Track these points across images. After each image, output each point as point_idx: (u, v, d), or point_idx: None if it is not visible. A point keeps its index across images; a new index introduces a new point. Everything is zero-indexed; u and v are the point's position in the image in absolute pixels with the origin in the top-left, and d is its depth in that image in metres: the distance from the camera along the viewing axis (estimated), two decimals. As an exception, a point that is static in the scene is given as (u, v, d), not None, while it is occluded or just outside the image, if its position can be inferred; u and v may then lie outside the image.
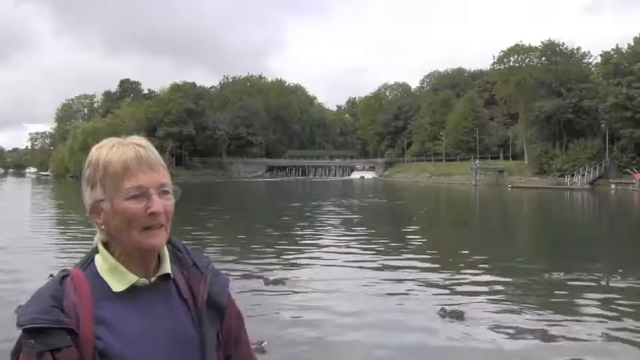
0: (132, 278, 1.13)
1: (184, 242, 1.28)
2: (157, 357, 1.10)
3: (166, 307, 1.15)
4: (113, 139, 1.17)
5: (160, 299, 1.15)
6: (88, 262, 1.16)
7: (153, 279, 1.16)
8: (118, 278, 1.13)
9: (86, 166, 1.15)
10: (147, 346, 1.09)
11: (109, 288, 1.12)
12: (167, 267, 1.18)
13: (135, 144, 1.14)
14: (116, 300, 1.11)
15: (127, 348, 1.07)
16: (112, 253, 1.15)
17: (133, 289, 1.13)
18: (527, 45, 64.66)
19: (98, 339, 1.06)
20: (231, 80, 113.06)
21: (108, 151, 1.13)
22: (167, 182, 1.15)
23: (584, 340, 6.64)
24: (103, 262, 1.15)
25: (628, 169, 50.59)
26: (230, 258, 11.83)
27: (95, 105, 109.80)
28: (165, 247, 1.19)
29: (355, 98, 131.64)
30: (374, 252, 13.30)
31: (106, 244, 1.17)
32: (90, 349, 1.05)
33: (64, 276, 1.11)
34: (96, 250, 1.18)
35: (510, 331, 6.95)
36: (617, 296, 8.76)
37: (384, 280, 9.95)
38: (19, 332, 1.04)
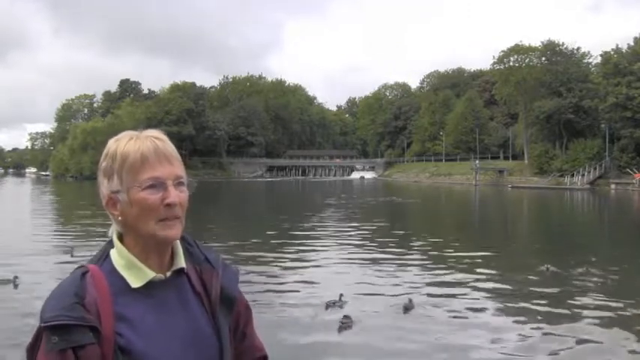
0: (149, 274, 1.13)
1: None
2: (176, 352, 1.10)
3: (181, 302, 1.16)
4: (131, 132, 1.16)
5: (174, 294, 1.15)
6: (104, 257, 1.15)
7: (168, 274, 1.16)
8: (135, 274, 1.12)
9: (103, 159, 1.15)
10: (166, 341, 1.10)
11: (126, 284, 1.11)
12: (181, 261, 1.18)
13: (153, 137, 1.15)
14: (134, 296, 1.11)
15: (147, 344, 1.07)
16: (127, 247, 1.14)
17: (148, 285, 1.13)
18: (527, 45, 64.75)
19: (119, 335, 1.06)
20: (231, 80, 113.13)
21: (126, 143, 1.13)
22: (183, 175, 1.16)
23: (578, 336, 6.62)
24: (119, 257, 1.14)
25: (628, 169, 50.47)
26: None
27: (95, 105, 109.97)
28: (178, 242, 1.19)
29: (355, 98, 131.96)
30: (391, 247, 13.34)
31: (120, 238, 1.16)
32: (111, 346, 1.05)
33: (83, 272, 1.10)
34: (110, 245, 1.16)
35: (506, 326, 6.92)
36: (614, 295, 8.72)
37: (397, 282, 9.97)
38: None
